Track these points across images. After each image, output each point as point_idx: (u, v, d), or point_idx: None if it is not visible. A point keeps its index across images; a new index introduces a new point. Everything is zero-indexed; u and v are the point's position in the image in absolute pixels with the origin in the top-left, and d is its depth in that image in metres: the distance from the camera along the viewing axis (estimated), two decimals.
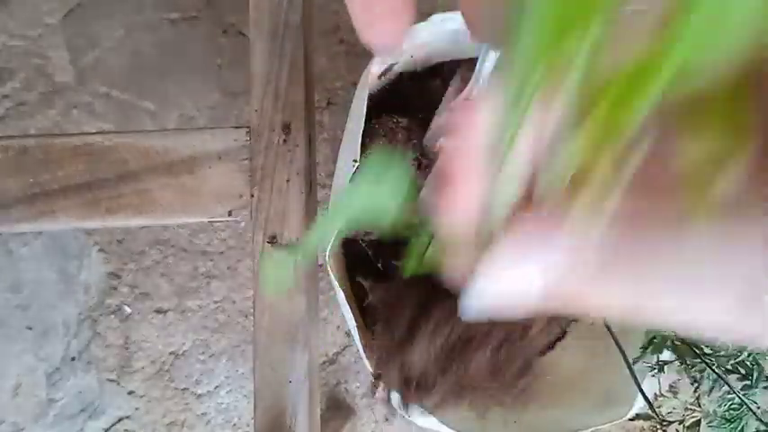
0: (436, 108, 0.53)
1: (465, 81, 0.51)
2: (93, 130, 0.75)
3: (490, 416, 0.51)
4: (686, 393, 0.30)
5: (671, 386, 0.34)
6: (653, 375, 0.35)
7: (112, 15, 0.76)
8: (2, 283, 0.76)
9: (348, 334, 0.73)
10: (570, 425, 0.45)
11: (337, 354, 0.73)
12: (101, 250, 0.76)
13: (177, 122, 0.75)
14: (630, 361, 0.38)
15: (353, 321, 0.41)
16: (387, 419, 0.73)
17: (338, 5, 0.74)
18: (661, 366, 0.35)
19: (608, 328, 0.41)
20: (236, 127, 0.44)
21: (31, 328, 0.76)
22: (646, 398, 0.37)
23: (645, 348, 0.37)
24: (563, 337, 0.59)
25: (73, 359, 0.76)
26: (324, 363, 0.73)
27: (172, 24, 0.75)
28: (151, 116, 0.75)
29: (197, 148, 0.44)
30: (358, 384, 0.73)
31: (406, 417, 0.42)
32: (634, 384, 0.38)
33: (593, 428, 0.44)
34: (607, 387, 0.49)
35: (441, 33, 0.48)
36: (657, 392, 0.35)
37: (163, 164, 0.44)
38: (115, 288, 0.75)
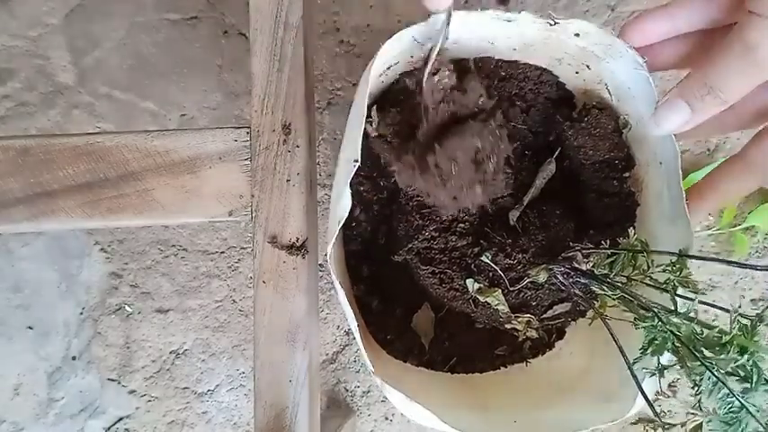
0: None
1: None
2: (94, 131, 0.75)
3: (491, 416, 0.51)
4: (685, 392, 0.30)
5: (670, 385, 0.34)
6: (651, 375, 0.35)
7: (113, 16, 0.76)
8: (2, 282, 0.76)
9: (348, 333, 0.73)
10: (570, 425, 0.45)
11: (337, 353, 0.73)
12: (102, 250, 0.76)
13: (178, 123, 0.76)
14: (631, 361, 0.38)
15: (353, 321, 0.41)
16: (386, 418, 0.73)
17: (338, 6, 0.74)
18: (661, 371, 0.35)
19: (608, 327, 0.41)
20: (237, 127, 0.44)
21: (31, 328, 0.76)
22: (647, 400, 0.37)
23: (645, 350, 0.37)
24: (563, 336, 0.59)
25: (74, 358, 0.76)
26: (324, 362, 0.73)
27: (172, 25, 0.75)
28: (152, 116, 0.76)
29: (198, 149, 0.44)
30: (358, 384, 0.73)
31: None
32: (634, 384, 0.38)
33: (592, 428, 0.44)
34: (607, 387, 0.49)
35: (440, 34, 0.48)
36: (659, 389, 0.35)
37: (164, 164, 0.44)
38: (116, 288, 0.76)
